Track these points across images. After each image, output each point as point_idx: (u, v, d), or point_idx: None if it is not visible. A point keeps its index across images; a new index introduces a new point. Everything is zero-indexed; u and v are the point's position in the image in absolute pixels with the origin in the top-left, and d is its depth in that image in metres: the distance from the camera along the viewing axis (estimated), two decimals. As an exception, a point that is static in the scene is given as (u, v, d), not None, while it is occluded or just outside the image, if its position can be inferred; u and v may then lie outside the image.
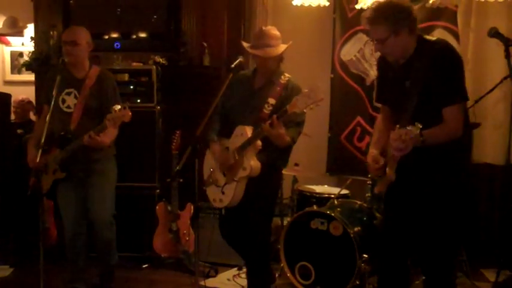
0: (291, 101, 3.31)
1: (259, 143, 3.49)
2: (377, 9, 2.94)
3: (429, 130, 2.77)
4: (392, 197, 3.15)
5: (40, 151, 3.64)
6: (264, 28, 3.76)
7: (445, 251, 3.06)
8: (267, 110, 3.52)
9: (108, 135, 3.95)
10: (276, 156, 3.66)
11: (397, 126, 2.87)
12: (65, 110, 4.07)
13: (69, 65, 4.07)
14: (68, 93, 4.08)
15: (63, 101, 4.08)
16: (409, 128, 2.60)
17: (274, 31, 3.68)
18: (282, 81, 3.55)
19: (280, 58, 3.70)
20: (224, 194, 3.69)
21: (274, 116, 3.32)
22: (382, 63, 3.18)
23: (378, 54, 3.19)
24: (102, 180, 4.14)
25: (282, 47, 3.67)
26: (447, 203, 3.00)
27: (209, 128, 3.76)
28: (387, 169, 2.97)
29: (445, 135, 2.85)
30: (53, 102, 3.84)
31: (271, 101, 3.52)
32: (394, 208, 3.17)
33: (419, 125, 2.62)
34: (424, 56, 2.90)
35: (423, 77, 2.87)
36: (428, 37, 3.01)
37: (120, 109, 3.67)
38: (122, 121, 3.72)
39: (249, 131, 3.52)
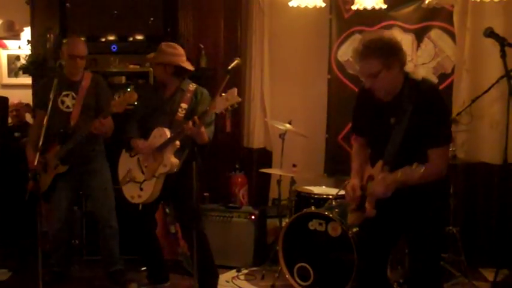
0: (202, 104, 3.97)
1: (178, 142, 3.90)
2: (369, 44, 2.91)
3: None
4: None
5: (38, 154, 3.79)
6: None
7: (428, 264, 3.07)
8: (181, 113, 4.00)
9: (109, 126, 4.30)
10: (193, 154, 3.92)
11: (381, 162, 2.95)
12: (65, 110, 4.38)
13: (68, 73, 4.42)
14: (66, 95, 4.40)
15: (62, 102, 4.40)
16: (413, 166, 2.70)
17: (165, 47, 4.14)
18: (191, 89, 4.07)
19: (174, 69, 4.08)
20: (143, 190, 4.04)
21: (196, 117, 3.73)
22: (363, 97, 3.15)
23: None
24: (101, 173, 4.46)
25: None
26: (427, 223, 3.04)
27: (127, 130, 4.16)
28: (367, 204, 2.98)
29: (428, 175, 2.86)
30: (50, 104, 3.99)
31: (184, 105, 4.01)
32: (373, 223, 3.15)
33: (419, 166, 2.71)
34: (411, 96, 2.91)
35: (410, 117, 2.89)
36: (413, 75, 3.01)
37: (122, 94, 4.01)
38: (128, 103, 4.02)
39: (167, 132, 3.93)
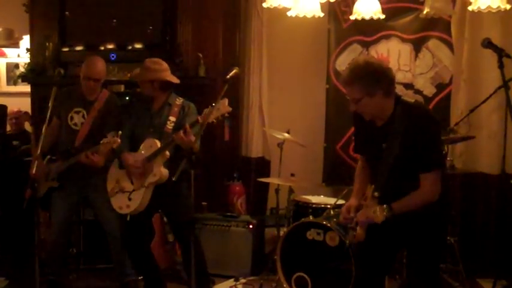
0: (189, 116, 4.05)
1: (167, 153, 3.98)
2: (352, 70, 2.92)
3: (400, 202, 2.86)
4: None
5: (36, 162, 3.85)
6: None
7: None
8: (169, 126, 4.07)
9: (103, 157, 4.17)
10: (191, 163, 3.87)
11: (372, 187, 2.95)
12: (73, 127, 4.35)
13: (84, 91, 4.36)
14: (77, 112, 4.36)
15: (71, 119, 4.36)
16: (377, 210, 2.83)
17: (150, 64, 4.14)
18: (178, 103, 4.16)
19: (161, 84, 4.12)
20: (131, 200, 4.04)
21: (187, 125, 3.82)
22: (358, 117, 3.14)
23: None
24: (102, 187, 4.30)
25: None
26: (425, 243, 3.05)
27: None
28: (358, 228, 2.97)
29: (420, 200, 2.90)
30: (48, 114, 3.99)
31: (172, 118, 4.10)
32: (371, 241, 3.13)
33: (386, 209, 2.83)
34: (402, 121, 2.90)
35: (400, 143, 2.88)
36: (406, 99, 2.99)
37: (111, 136, 4.00)
38: (111, 147, 3.99)
39: (157, 142, 4.00)
